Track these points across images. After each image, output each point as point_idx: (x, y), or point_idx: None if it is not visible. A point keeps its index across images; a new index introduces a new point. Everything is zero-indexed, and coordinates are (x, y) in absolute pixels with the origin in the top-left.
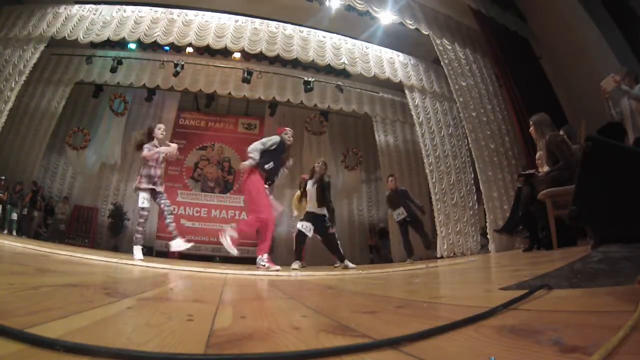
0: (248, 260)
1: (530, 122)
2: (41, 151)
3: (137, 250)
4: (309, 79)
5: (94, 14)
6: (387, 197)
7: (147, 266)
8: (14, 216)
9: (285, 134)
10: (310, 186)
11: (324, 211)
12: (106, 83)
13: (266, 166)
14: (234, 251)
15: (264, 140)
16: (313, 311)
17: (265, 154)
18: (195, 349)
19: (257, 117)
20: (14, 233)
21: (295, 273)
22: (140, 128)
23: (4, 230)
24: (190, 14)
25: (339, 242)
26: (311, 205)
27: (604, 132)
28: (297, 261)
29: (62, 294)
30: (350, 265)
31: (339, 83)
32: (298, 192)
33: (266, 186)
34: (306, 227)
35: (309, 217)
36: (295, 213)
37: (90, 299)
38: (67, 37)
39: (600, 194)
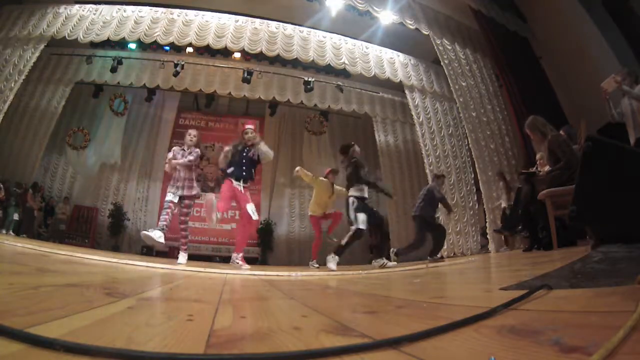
0: (248, 260)
1: (526, 129)
2: (41, 151)
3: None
4: (309, 79)
5: (94, 14)
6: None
7: (147, 266)
8: (15, 216)
9: (246, 134)
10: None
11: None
12: (106, 83)
13: (228, 171)
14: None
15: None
16: (313, 311)
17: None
18: (195, 349)
19: (257, 117)
20: (11, 232)
21: (296, 273)
22: (140, 128)
23: (2, 230)
24: (190, 14)
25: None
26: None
27: (604, 132)
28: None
29: (62, 294)
30: (391, 263)
31: (339, 83)
32: (325, 179)
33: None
34: (364, 221)
35: (365, 204)
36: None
37: (90, 299)
38: (67, 37)
39: (600, 194)
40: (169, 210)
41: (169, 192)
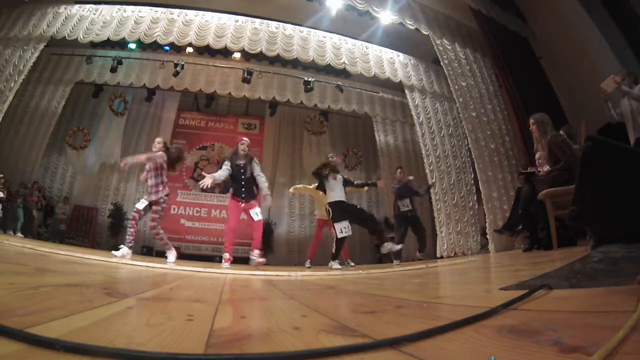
0: (247, 261)
1: (532, 121)
2: (41, 151)
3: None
4: (309, 79)
5: (94, 14)
6: (396, 189)
7: (147, 266)
8: (21, 218)
9: (242, 144)
10: (334, 179)
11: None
12: (106, 83)
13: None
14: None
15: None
16: (313, 311)
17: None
18: (195, 349)
19: (257, 117)
20: (12, 232)
21: (296, 273)
22: (140, 128)
23: (9, 231)
24: (190, 13)
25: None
26: (341, 195)
27: (604, 133)
28: (337, 261)
29: (62, 294)
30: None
31: (339, 83)
32: (312, 187)
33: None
34: (347, 229)
35: (345, 207)
36: (318, 212)
37: (90, 299)
38: (67, 37)
39: (600, 194)
40: (133, 223)
41: (143, 197)
